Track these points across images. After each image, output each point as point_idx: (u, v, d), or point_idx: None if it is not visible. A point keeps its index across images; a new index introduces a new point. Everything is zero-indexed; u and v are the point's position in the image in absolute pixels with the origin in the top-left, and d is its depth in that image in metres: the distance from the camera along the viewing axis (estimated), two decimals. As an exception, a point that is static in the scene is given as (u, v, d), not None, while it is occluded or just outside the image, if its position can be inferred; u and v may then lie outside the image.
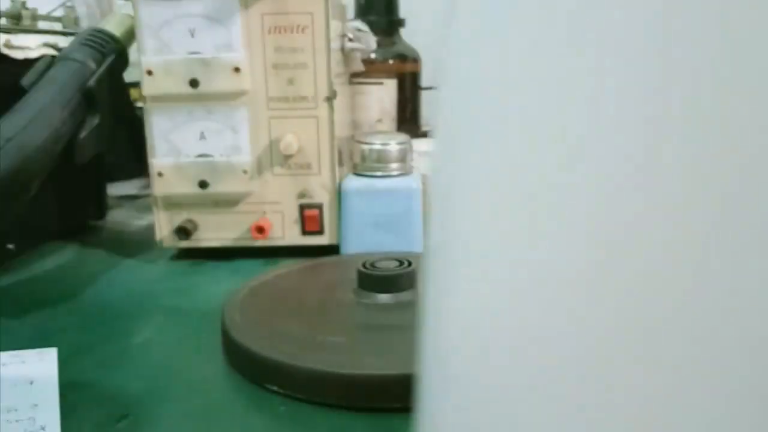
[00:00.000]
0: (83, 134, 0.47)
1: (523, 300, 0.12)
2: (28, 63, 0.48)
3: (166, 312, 0.40)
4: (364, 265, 0.37)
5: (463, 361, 0.14)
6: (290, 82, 0.47)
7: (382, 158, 0.48)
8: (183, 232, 0.48)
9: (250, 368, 0.31)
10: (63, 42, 0.53)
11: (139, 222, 0.62)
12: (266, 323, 0.33)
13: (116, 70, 0.51)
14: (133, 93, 0.55)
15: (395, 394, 0.27)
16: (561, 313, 0.12)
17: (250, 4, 0.46)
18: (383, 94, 0.68)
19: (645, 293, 0.11)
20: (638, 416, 0.11)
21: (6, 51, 0.49)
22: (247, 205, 0.49)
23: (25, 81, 0.46)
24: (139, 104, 0.49)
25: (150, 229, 0.51)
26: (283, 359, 0.29)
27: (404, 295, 0.35)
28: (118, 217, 0.64)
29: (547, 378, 0.12)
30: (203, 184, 0.47)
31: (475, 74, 0.14)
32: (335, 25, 0.49)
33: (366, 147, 0.48)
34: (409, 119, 0.75)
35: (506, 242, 0.13)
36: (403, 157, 0.49)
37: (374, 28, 0.61)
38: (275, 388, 0.29)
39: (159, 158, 0.48)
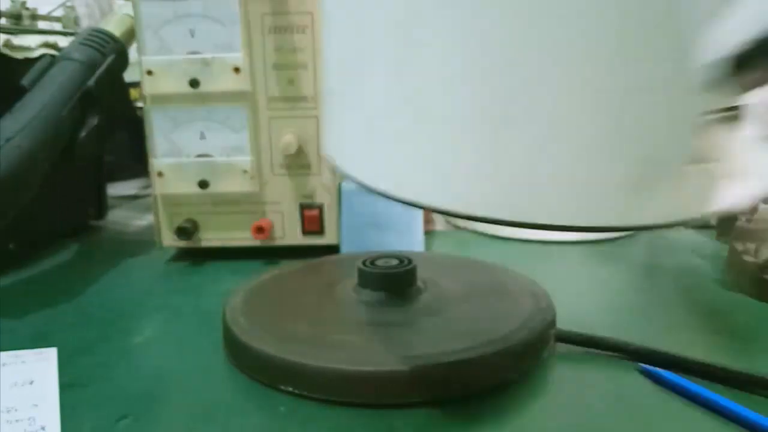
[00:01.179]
0: (83, 134, 0.47)
1: None
2: (28, 63, 0.48)
3: (166, 312, 0.40)
4: (364, 264, 0.37)
5: None
6: (290, 82, 0.47)
7: (382, 158, 0.48)
8: (183, 232, 0.48)
9: (261, 370, 0.30)
10: (63, 42, 0.53)
11: (139, 222, 0.62)
12: (271, 324, 0.33)
13: (116, 70, 0.51)
14: (133, 93, 0.55)
15: (421, 387, 0.27)
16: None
17: (250, 4, 0.46)
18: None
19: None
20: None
21: (6, 51, 0.49)
22: (247, 205, 0.49)
23: (26, 81, 0.46)
24: (139, 104, 0.49)
25: (150, 229, 0.51)
26: (303, 360, 0.29)
27: (405, 293, 0.35)
28: (118, 217, 0.64)
29: None
30: (203, 184, 0.47)
31: None
32: (335, 25, 0.49)
33: (366, 147, 0.48)
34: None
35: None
36: (403, 157, 0.49)
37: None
38: (290, 388, 0.29)
39: (159, 158, 0.48)
